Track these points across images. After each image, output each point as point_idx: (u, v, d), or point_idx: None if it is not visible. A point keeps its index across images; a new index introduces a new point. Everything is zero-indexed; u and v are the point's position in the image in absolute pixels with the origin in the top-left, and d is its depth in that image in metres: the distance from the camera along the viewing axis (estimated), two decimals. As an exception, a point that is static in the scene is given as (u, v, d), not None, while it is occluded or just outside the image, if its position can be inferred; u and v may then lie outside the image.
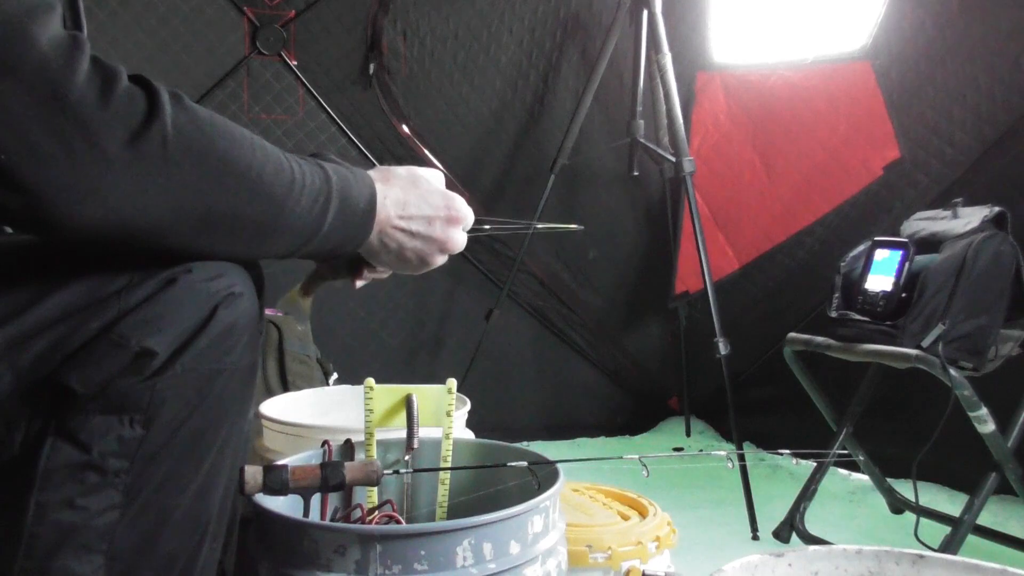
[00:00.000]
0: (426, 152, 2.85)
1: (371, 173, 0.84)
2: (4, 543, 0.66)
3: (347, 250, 0.83)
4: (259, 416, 1.37)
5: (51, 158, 0.59)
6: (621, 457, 1.02)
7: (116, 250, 0.67)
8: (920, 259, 1.78)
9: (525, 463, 1.05)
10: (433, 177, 0.91)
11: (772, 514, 2.08)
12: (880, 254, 1.84)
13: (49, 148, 0.59)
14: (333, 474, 0.93)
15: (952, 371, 1.63)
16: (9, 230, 0.78)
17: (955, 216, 1.84)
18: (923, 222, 1.91)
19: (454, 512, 1.09)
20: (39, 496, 0.65)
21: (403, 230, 0.86)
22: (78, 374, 0.65)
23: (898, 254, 1.80)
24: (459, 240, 0.90)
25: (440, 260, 0.91)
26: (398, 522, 1.03)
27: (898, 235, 1.90)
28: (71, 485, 0.66)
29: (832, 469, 2.30)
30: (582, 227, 1.23)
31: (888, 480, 2.15)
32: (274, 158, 0.72)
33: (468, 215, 0.91)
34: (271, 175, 0.71)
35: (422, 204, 0.87)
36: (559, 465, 1.04)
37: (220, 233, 0.69)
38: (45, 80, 0.59)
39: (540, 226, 1.21)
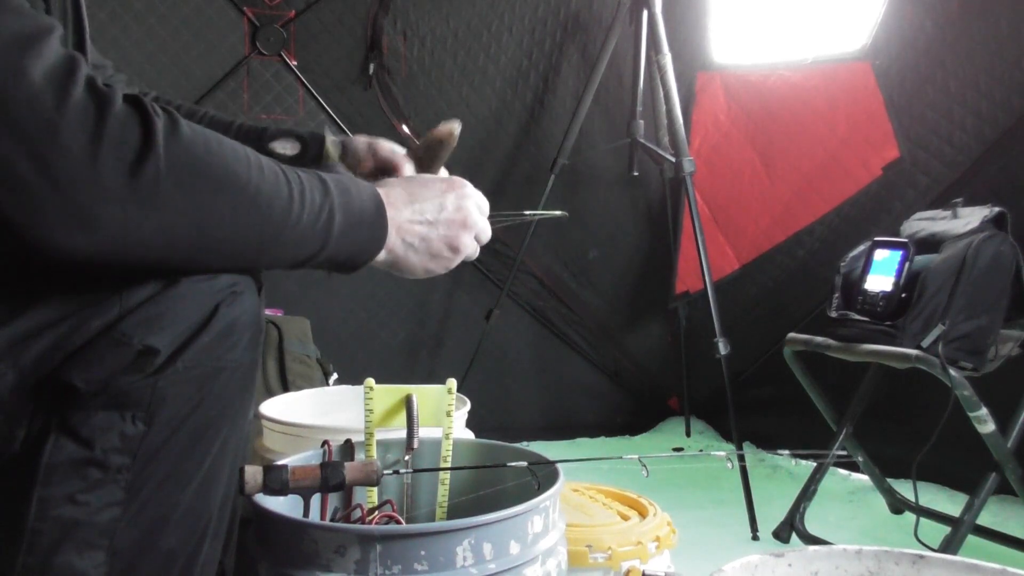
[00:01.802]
0: (426, 152, 2.84)
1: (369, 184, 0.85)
2: (7, 539, 0.66)
3: (368, 254, 0.82)
4: (259, 416, 1.37)
5: (40, 194, 0.58)
6: (621, 457, 1.02)
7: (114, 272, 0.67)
8: (920, 259, 1.78)
9: (525, 463, 1.05)
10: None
11: (772, 514, 2.08)
12: (880, 254, 1.84)
13: (39, 185, 0.58)
14: (333, 474, 0.93)
15: (952, 371, 1.64)
16: None
17: (955, 216, 1.85)
18: (923, 222, 1.91)
19: (454, 512, 1.09)
20: (41, 492, 0.65)
21: (420, 222, 0.85)
22: (80, 372, 0.66)
23: (898, 254, 1.80)
24: (476, 214, 0.90)
25: (470, 239, 0.90)
26: (398, 522, 1.03)
27: (898, 235, 1.90)
28: (73, 481, 0.66)
29: (832, 469, 2.30)
30: (566, 215, 1.29)
31: (888, 480, 2.16)
32: (271, 175, 0.71)
33: (472, 189, 0.91)
34: (268, 194, 0.70)
35: (425, 191, 0.87)
36: (559, 465, 1.04)
37: (217, 254, 0.69)
38: (35, 116, 0.58)
39: (528, 213, 1.24)
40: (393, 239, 0.83)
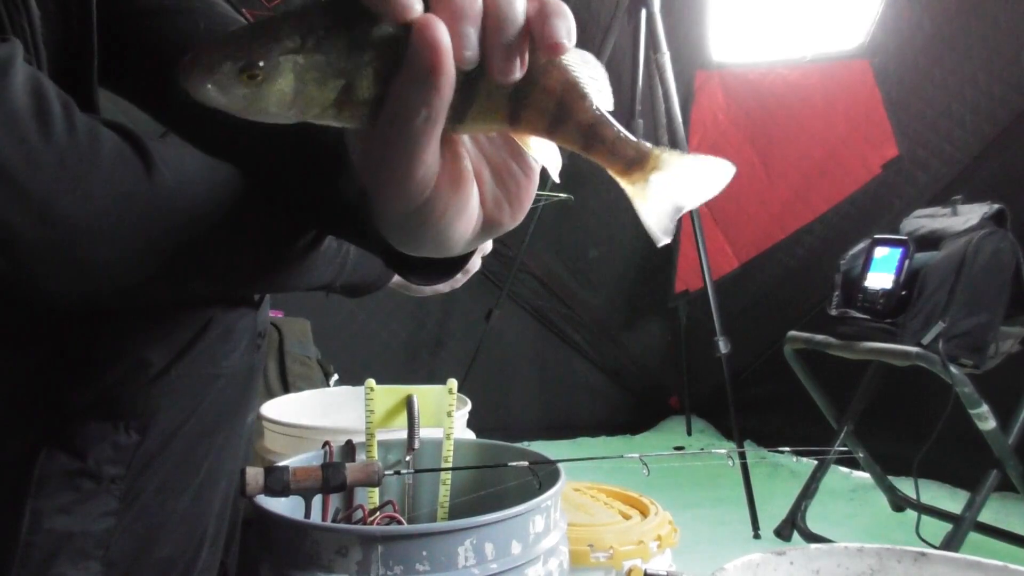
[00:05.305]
0: (425, 152, 2.84)
1: None
2: (0, 552, 0.65)
3: (382, 281, 0.86)
4: (260, 417, 1.37)
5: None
6: (622, 456, 1.02)
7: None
8: (920, 257, 1.78)
9: (526, 463, 1.05)
10: None
11: (773, 512, 2.08)
12: (880, 252, 1.84)
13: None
14: (334, 475, 0.93)
15: (952, 368, 1.64)
16: None
17: (954, 213, 1.85)
18: (923, 220, 1.91)
19: (455, 512, 1.09)
20: (34, 503, 0.64)
21: None
22: (73, 383, 0.65)
23: (898, 252, 1.80)
24: None
25: (477, 257, 0.91)
26: (399, 523, 1.03)
27: (898, 233, 1.90)
28: (66, 492, 0.64)
29: (833, 467, 2.30)
30: (571, 198, 1.31)
31: (889, 478, 2.15)
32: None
33: None
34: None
35: None
36: (560, 464, 1.04)
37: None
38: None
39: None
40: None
